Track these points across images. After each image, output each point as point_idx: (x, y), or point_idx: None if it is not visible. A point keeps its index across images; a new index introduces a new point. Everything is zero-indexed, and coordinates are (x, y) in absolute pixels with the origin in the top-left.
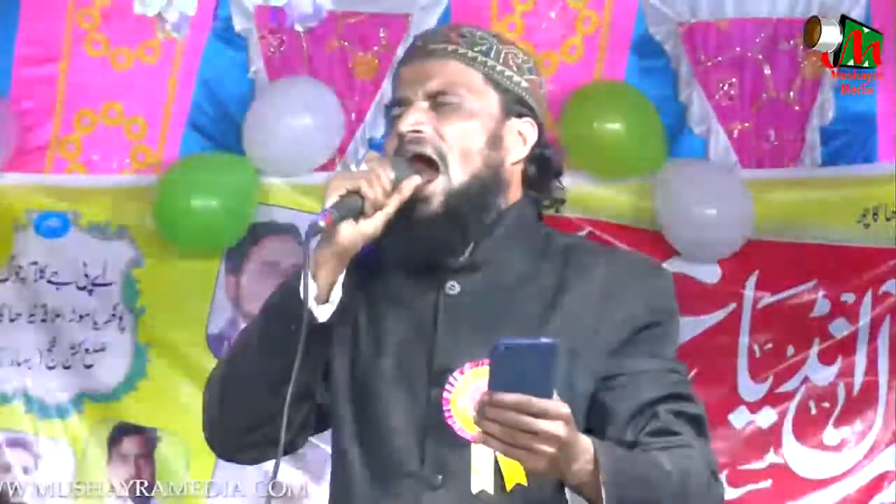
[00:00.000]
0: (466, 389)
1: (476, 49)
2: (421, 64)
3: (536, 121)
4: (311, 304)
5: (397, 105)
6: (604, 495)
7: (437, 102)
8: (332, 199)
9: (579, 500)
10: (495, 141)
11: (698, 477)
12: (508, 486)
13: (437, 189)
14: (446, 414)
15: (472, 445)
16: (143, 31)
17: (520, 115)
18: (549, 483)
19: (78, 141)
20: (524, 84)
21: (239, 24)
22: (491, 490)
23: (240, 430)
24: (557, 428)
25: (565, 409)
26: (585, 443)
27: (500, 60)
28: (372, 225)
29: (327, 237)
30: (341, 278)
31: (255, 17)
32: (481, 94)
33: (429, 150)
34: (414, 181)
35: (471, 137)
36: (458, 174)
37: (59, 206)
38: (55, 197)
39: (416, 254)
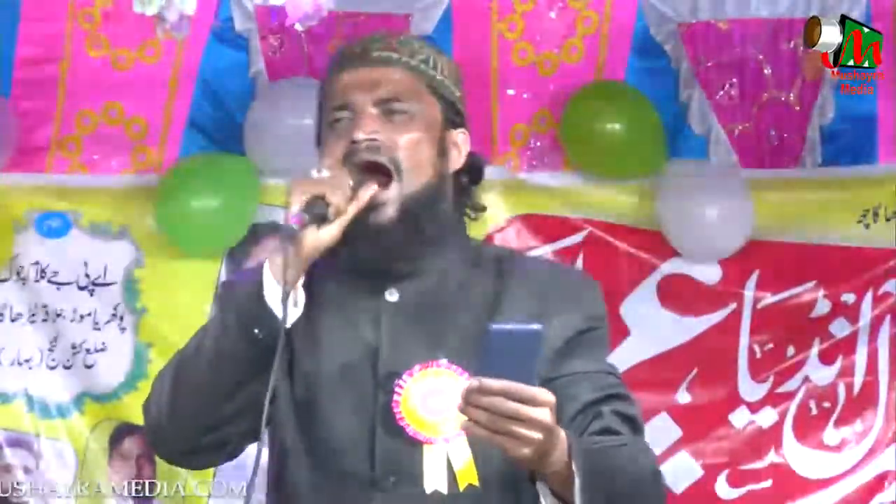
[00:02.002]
0: (416, 391)
1: (417, 58)
2: (366, 70)
3: (467, 130)
4: (278, 307)
5: (342, 110)
6: (577, 484)
7: (388, 110)
8: (297, 204)
9: (547, 492)
10: (442, 150)
11: (652, 474)
12: (461, 486)
13: (392, 196)
14: (398, 416)
15: (425, 446)
16: (144, 31)
17: (455, 126)
18: (499, 481)
19: (78, 141)
20: (458, 94)
21: (239, 24)
22: (444, 489)
23: (189, 434)
24: (544, 414)
25: (551, 396)
26: (561, 433)
27: (440, 70)
28: (331, 232)
29: (292, 243)
30: (300, 284)
31: (255, 17)
32: (427, 104)
33: (384, 159)
34: (371, 189)
35: (422, 146)
36: (411, 182)
37: (60, 206)
38: (55, 197)
39: (369, 260)
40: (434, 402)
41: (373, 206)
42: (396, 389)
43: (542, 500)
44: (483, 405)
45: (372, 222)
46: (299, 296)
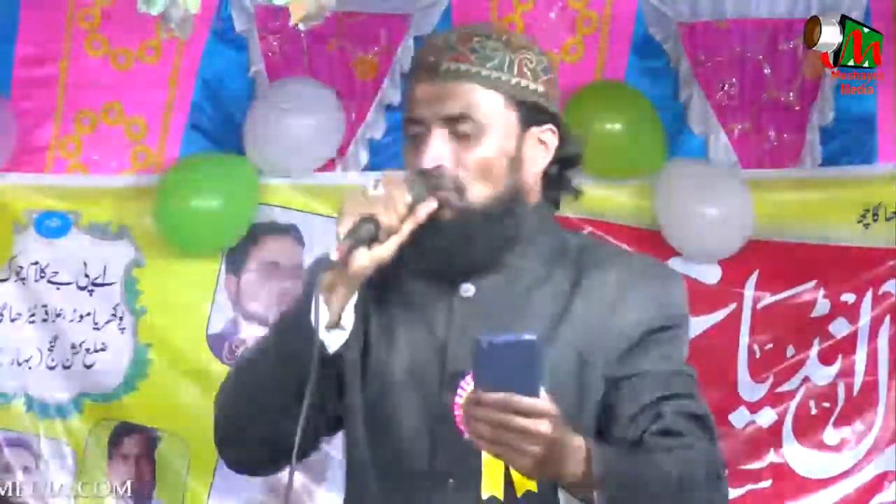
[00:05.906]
0: None
1: (489, 65)
2: (436, 85)
3: (556, 123)
4: (323, 332)
5: (416, 124)
6: (596, 495)
7: (457, 128)
8: (346, 224)
9: (574, 502)
10: (515, 162)
11: (699, 478)
12: (519, 492)
13: (451, 215)
14: (458, 418)
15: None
16: (144, 30)
17: (539, 123)
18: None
19: (78, 141)
20: (541, 89)
21: (239, 24)
22: (501, 495)
23: (251, 445)
24: (542, 426)
25: (551, 406)
26: (578, 442)
27: (515, 72)
28: (385, 250)
29: (340, 264)
30: (353, 302)
31: (255, 17)
32: (500, 115)
33: (448, 193)
34: (429, 206)
35: (491, 164)
36: (476, 195)
37: (60, 206)
38: (55, 197)
39: (429, 267)
40: None
41: (434, 215)
42: (458, 391)
43: None
44: (480, 417)
45: (432, 231)
46: (346, 317)
